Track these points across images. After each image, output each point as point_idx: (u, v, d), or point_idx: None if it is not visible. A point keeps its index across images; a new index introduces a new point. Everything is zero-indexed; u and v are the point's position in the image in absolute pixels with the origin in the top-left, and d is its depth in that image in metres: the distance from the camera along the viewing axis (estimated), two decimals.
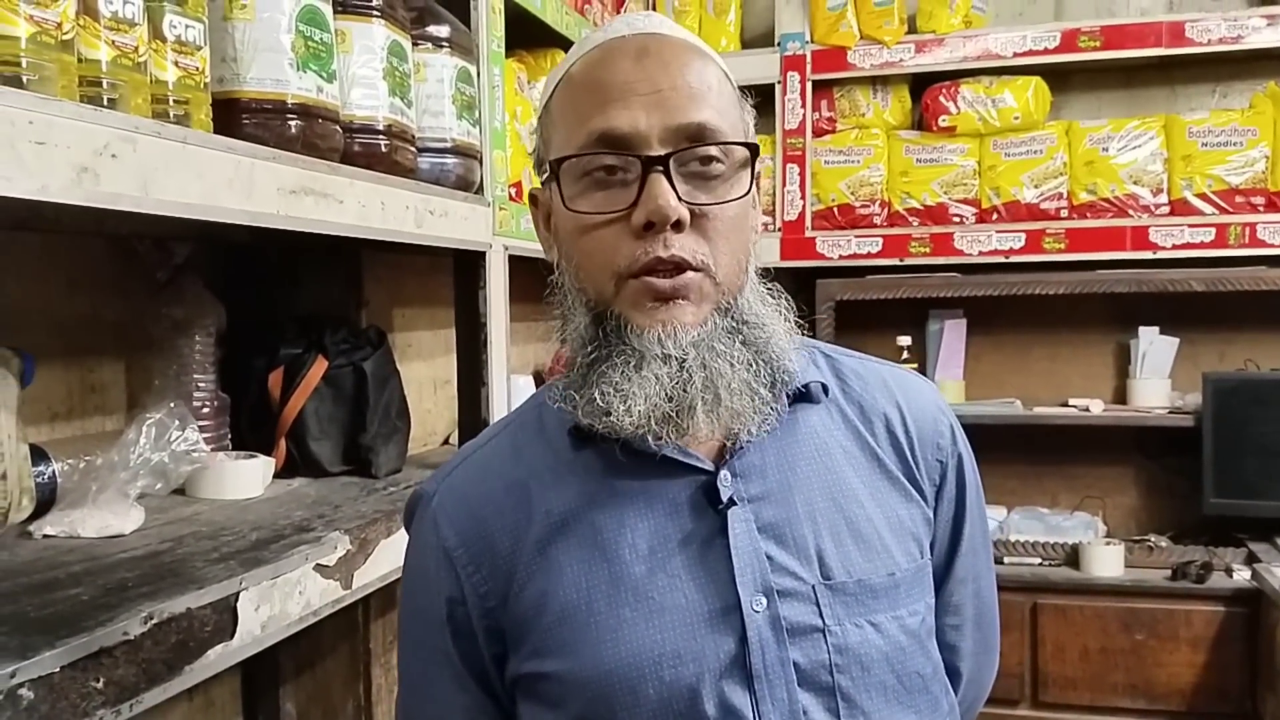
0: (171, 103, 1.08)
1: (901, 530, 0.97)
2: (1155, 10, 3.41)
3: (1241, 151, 3.12)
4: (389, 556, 1.36)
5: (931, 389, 1.08)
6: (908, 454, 1.01)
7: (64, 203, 0.90)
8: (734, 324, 0.92)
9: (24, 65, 0.87)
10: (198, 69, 1.12)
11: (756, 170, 0.95)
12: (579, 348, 0.93)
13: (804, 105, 3.47)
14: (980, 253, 3.30)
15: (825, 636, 0.90)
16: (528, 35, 2.21)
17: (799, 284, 3.32)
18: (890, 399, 1.03)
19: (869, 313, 3.41)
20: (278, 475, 1.58)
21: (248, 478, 1.49)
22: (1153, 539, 3.23)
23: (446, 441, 2.27)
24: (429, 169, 1.65)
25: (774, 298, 0.97)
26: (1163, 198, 3.20)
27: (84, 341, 1.46)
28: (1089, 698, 3.02)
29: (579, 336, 0.94)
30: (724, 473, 0.93)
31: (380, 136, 1.45)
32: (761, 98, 3.10)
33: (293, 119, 1.25)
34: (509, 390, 1.88)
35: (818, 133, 3.52)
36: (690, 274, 0.89)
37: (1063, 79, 3.42)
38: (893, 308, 3.39)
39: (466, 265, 1.81)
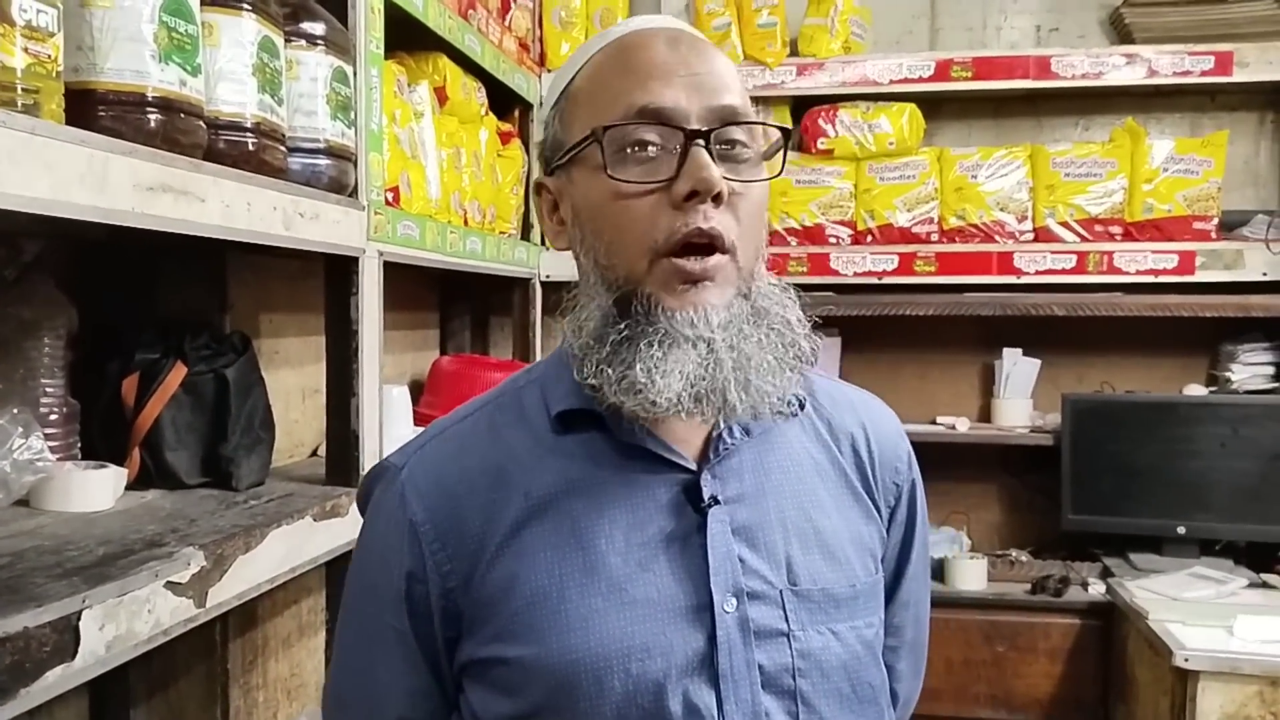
0: (20, 91, 1.01)
1: (861, 545, 1.00)
2: (1024, 44, 3.55)
3: (1101, 182, 3.26)
4: (248, 573, 1.31)
5: (893, 416, 1.11)
6: (869, 474, 1.04)
7: None
8: (755, 308, 0.93)
9: None
10: (50, 57, 1.05)
11: (785, 155, 0.98)
12: (603, 327, 0.92)
13: None
14: (855, 274, 3.37)
15: (789, 641, 0.92)
16: (409, 37, 2.17)
17: None
18: (857, 420, 1.06)
19: None
20: (131, 487, 1.50)
21: (97, 489, 1.41)
22: (1014, 554, 3.35)
23: (315, 453, 2.20)
24: (300, 170, 1.60)
25: (781, 287, 0.99)
26: (1027, 225, 3.32)
27: None
28: (952, 708, 3.09)
29: (603, 315, 0.92)
30: (706, 473, 0.94)
31: (248, 134, 1.40)
32: None
33: (153, 112, 1.19)
34: (380, 400, 1.83)
35: None
36: (718, 257, 0.90)
37: (936, 107, 3.52)
38: None
39: (338, 270, 1.75)
